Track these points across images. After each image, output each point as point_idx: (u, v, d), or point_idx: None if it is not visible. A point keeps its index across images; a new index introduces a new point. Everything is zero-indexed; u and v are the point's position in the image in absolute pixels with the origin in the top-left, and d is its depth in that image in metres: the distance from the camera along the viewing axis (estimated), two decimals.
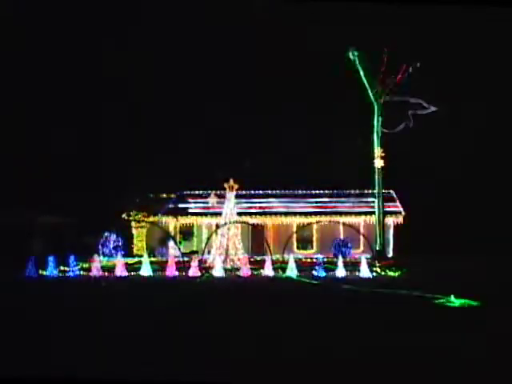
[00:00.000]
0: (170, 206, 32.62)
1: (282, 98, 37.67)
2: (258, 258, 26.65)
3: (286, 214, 31.63)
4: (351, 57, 28.54)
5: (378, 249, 28.50)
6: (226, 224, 27.01)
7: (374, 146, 29.28)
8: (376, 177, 29.22)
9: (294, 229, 31.05)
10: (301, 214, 31.55)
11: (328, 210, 31.65)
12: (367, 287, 17.81)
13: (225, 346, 9.81)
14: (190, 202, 33.02)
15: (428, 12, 25.58)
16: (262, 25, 33.25)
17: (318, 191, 33.68)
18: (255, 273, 23.30)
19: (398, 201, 32.21)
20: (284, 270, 23.19)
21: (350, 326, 11.56)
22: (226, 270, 23.85)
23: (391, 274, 23.05)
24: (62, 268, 23.89)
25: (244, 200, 31.52)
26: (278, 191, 33.85)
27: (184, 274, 23.13)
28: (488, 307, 13.83)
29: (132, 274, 23.41)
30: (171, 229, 31.58)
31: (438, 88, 31.21)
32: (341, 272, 22.87)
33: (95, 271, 23.31)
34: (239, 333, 10.89)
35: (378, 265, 24.68)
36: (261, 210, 31.81)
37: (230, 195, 27.67)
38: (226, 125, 37.90)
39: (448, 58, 31.83)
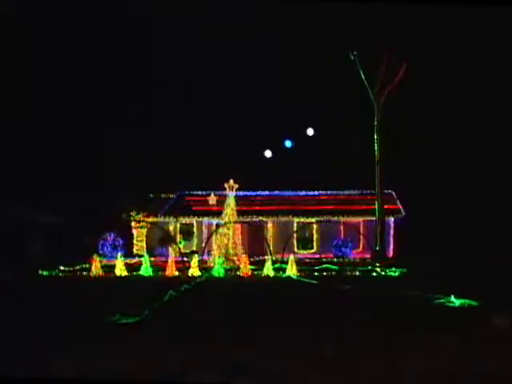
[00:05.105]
0: (170, 206, 32.63)
1: (282, 98, 37.66)
2: (258, 258, 26.65)
3: (286, 213, 31.62)
4: (351, 57, 28.56)
5: (377, 249, 28.52)
6: (225, 224, 27.00)
7: (374, 145, 29.31)
8: (376, 177, 29.24)
9: (294, 229, 31.05)
10: (301, 213, 31.55)
11: (328, 210, 31.65)
12: (367, 287, 17.80)
13: (224, 345, 9.81)
14: (189, 202, 33.04)
15: (428, 11, 25.58)
16: (260, 22, 33.26)
17: (318, 191, 33.68)
18: (255, 273, 23.27)
19: (398, 201, 32.22)
20: (284, 270, 23.11)
21: (350, 326, 11.54)
22: (226, 269, 23.82)
23: (391, 273, 23.02)
24: (61, 268, 23.91)
25: (244, 200, 31.53)
26: (278, 191, 33.86)
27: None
28: (488, 307, 13.80)
29: (132, 273, 23.37)
30: (171, 229, 31.58)
31: (438, 87, 31.21)
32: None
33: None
34: (239, 332, 10.90)
35: (377, 265, 24.70)
36: (261, 210, 31.81)
37: (230, 195, 27.66)
38: (225, 124, 37.89)
39: (448, 58, 31.81)
